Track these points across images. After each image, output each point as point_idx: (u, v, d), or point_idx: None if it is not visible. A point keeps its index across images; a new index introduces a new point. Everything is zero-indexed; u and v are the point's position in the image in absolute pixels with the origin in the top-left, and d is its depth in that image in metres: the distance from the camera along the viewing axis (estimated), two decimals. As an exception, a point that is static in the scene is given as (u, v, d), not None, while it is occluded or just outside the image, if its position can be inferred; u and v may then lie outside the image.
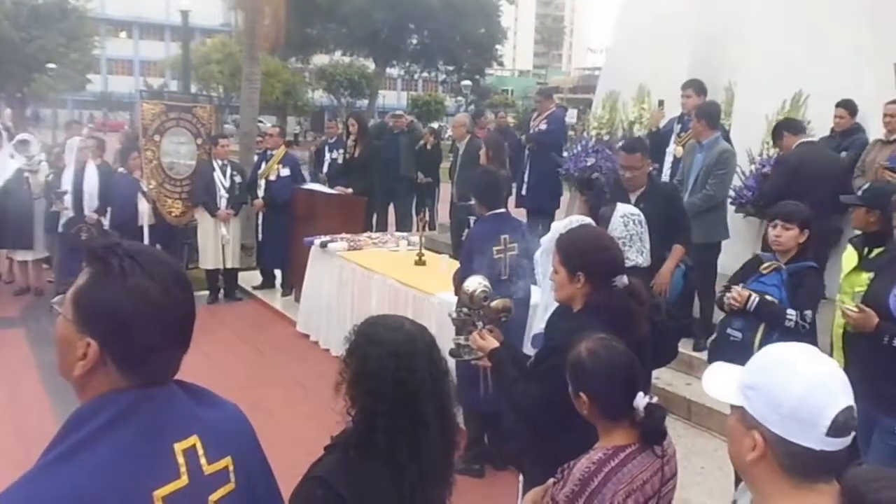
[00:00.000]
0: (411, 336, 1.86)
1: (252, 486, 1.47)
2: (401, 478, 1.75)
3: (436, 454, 1.81)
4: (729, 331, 3.84)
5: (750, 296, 3.72)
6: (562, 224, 3.27)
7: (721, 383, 1.45)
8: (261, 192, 8.43)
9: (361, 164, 8.91)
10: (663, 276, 4.70)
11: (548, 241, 3.38)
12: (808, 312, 3.59)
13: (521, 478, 3.01)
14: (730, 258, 5.97)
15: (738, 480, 3.96)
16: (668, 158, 6.82)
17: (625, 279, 2.61)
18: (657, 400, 2.09)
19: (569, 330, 2.55)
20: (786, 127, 5.98)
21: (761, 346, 3.55)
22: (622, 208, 3.82)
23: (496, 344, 2.84)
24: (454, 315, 3.04)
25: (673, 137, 6.85)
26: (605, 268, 2.61)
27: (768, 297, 3.72)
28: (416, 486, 1.77)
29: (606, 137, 8.69)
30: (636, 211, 3.77)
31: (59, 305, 1.33)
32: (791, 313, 3.60)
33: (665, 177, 6.85)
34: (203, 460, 1.36)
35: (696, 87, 6.68)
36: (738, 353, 3.70)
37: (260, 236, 8.61)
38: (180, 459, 1.32)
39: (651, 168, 4.96)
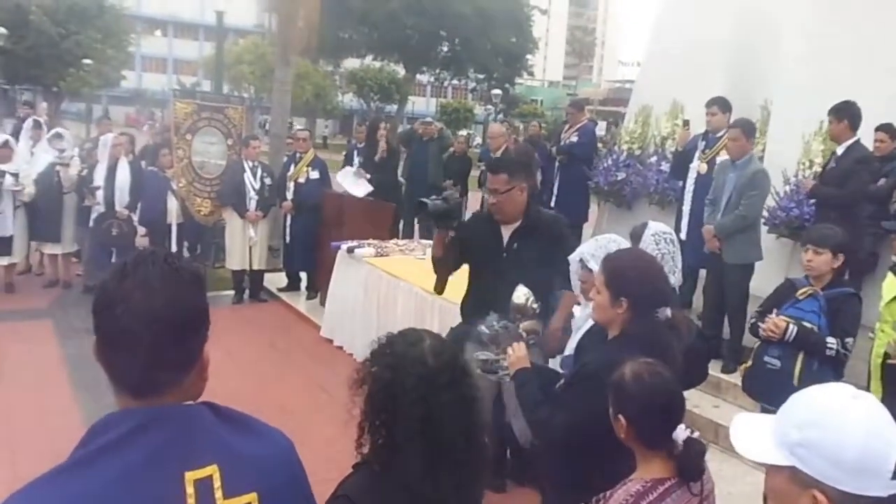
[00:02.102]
0: (436, 352, 1.80)
1: None
2: (420, 497, 1.70)
3: (461, 475, 1.75)
4: (766, 359, 3.79)
5: (788, 326, 3.65)
6: (594, 244, 3.19)
7: (756, 441, 1.35)
8: (289, 195, 8.45)
9: (387, 168, 8.95)
10: (554, 333, 3.77)
11: (574, 260, 3.32)
12: (850, 340, 3.52)
13: (540, 499, 2.95)
14: (761, 280, 5.88)
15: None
16: (692, 175, 6.82)
17: (668, 311, 2.52)
18: (698, 435, 2.03)
19: (602, 359, 2.50)
20: (848, 115, 5.82)
21: (802, 375, 3.60)
22: (654, 226, 3.75)
23: (528, 362, 2.79)
24: (494, 327, 2.96)
25: (697, 154, 6.83)
26: (651, 298, 2.52)
27: (806, 325, 3.65)
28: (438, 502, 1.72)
29: (638, 152, 8.62)
30: (668, 229, 3.69)
31: None
32: (832, 342, 3.54)
33: (689, 193, 6.82)
34: (218, 493, 1.26)
35: (720, 104, 6.66)
36: (778, 382, 3.69)
37: (287, 238, 8.62)
38: (189, 489, 1.23)
39: (527, 194, 3.94)
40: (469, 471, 1.78)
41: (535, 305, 3.26)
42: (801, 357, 3.63)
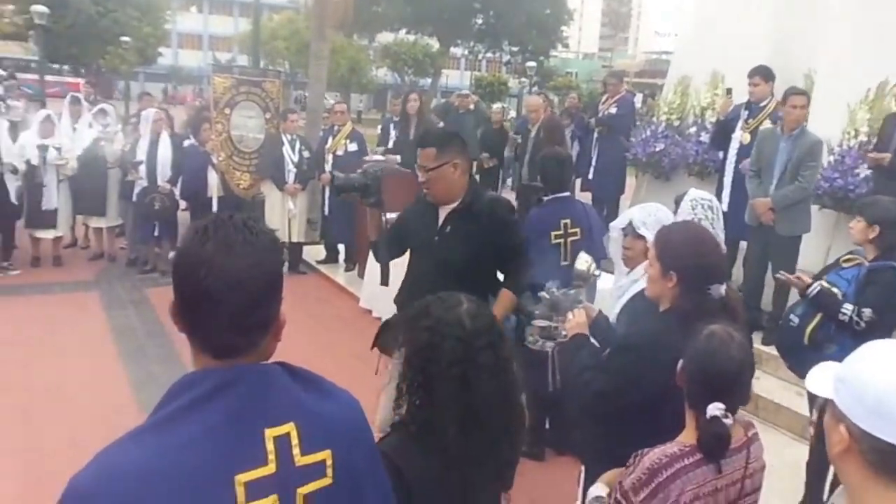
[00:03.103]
0: (473, 315, 1.82)
1: (356, 486, 1.40)
2: (456, 459, 1.73)
3: (496, 437, 1.78)
4: (791, 316, 3.85)
5: (812, 283, 3.69)
6: (642, 212, 3.16)
7: (820, 377, 1.41)
8: (328, 167, 8.51)
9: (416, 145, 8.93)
10: None
11: (616, 228, 3.30)
12: (867, 310, 3.50)
13: (582, 469, 2.97)
14: (804, 251, 5.82)
15: (808, 480, 3.90)
16: (734, 145, 6.75)
17: (721, 290, 2.43)
18: (730, 421, 1.97)
19: (647, 332, 2.49)
20: None
21: (812, 334, 3.70)
22: (693, 192, 3.70)
23: (587, 328, 2.78)
24: (554, 293, 2.97)
25: (739, 124, 6.74)
26: (700, 274, 2.43)
27: (834, 290, 3.66)
28: (471, 469, 1.76)
29: (677, 123, 8.50)
30: (708, 196, 3.61)
31: None
32: (847, 308, 3.55)
33: (730, 164, 6.74)
34: (296, 450, 1.30)
35: (763, 73, 6.56)
36: (792, 339, 3.80)
37: (327, 211, 8.68)
38: (270, 446, 1.27)
39: (463, 172, 3.42)
40: (504, 433, 1.81)
41: (596, 272, 3.26)
42: (818, 318, 3.66)
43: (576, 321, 2.77)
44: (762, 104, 6.53)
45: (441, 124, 10.70)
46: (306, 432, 1.31)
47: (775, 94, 6.62)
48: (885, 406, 1.23)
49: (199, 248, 1.26)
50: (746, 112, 6.75)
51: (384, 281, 4.36)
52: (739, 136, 6.66)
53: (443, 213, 3.46)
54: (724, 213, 6.01)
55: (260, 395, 1.29)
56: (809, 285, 3.71)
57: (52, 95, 19.63)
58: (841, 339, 3.62)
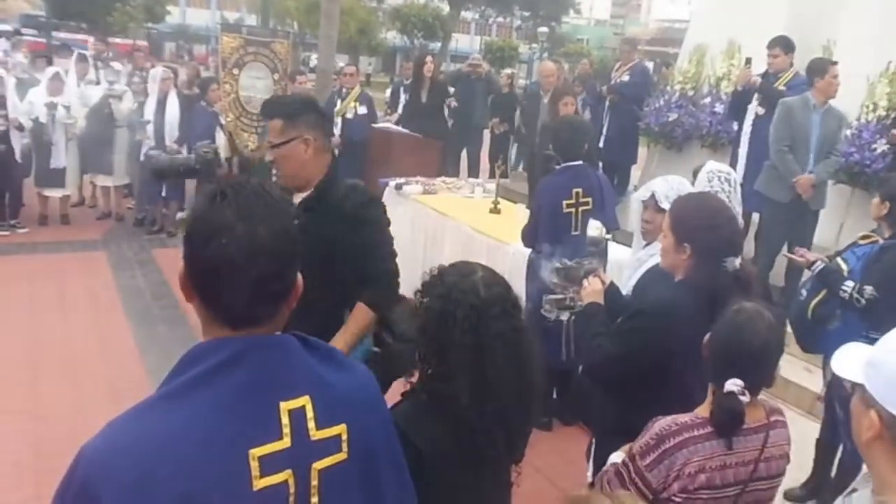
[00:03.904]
0: (488, 283, 1.80)
1: (370, 460, 1.38)
2: (468, 428, 1.73)
3: (508, 407, 1.76)
4: (802, 290, 3.87)
5: (817, 260, 3.70)
6: (665, 184, 3.11)
7: (848, 360, 1.38)
8: (337, 131, 8.42)
9: (432, 109, 8.82)
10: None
11: (637, 200, 3.26)
12: (869, 288, 3.47)
13: (592, 440, 2.97)
14: (818, 226, 5.77)
15: (817, 456, 3.89)
16: (749, 116, 6.61)
17: (736, 262, 2.42)
18: (746, 400, 1.95)
19: (660, 300, 2.47)
20: None
21: (816, 309, 3.71)
22: (711, 164, 3.65)
23: (602, 297, 2.76)
24: (567, 263, 2.95)
25: (756, 95, 6.58)
26: (714, 246, 2.42)
27: (843, 266, 3.66)
28: (483, 438, 1.75)
29: (691, 93, 8.38)
30: (726, 168, 3.56)
31: None
32: (848, 284, 3.53)
33: (746, 136, 6.62)
34: (311, 424, 1.27)
35: (783, 45, 6.43)
36: (796, 311, 3.81)
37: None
38: (284, 419, 1.24)
39: (317, 150, 2.74)
40: (517, 404, 1.80)
41: (608, 236, 3.32)
42: (822, 294, 3.66)
43: (591, 289, 2.77)
44: (780, 75, 6.38)
45: (452, 90, 10.57)
46: (321, 406, 1.29)
47: (795, 65, 6.50)
48: None
49: (218, 213, 1.22)
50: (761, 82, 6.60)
51: None
52: (755, 108, 6.52)
53: (297, 201, 2.75)
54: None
55: (275, 366, 1.25)
56: (815, 262, 3.71)
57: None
58: (845, 315, 3.61)
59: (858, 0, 6.88)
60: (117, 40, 39.07)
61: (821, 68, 5.65)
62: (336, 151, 8.37)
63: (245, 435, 1.20)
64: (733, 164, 6.58)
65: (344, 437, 1.32)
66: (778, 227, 5.79)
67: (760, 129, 6.31)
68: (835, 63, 5.71)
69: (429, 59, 9.32)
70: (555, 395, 4.72)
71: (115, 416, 1.21)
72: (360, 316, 2.80)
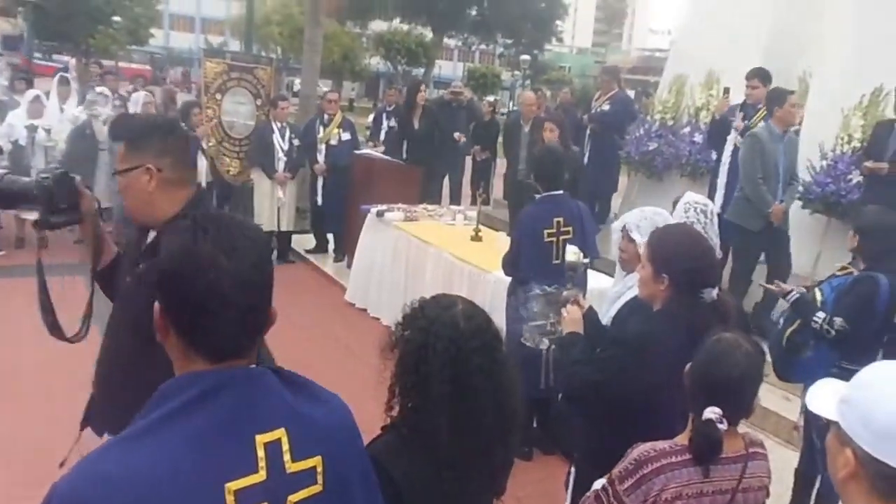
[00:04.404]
0: (468, 316, 1.79)
1: (346, 492, 1.38)
2: (449, 463, 1.71)
3: (488, 440, 1.76)
4: (780, 318, 3.92)
5: (792, 289, 3.74)
6: (637, 217, 3.15)
7: (822, 396, 1.38)
8: (321, 157, 8.44)
9: (423, 136, 8.86)
10: None
11: (616, 229, 3.29)
12: (838, 319, 3.52)
13: (571, 468, 2.97)
14: (795, 255, 5.83)
15: (796, 486, 3.90)
16: (729, 147, 6.71)
17: (713, 293, 2.45)
18: (724, 428, 1.96)
19: (639, 330, 2.48)
20: None
21: (791, 338, 3.76)
22: (689, 195, 3.69)
23: (581, 326, 2.78)
24: (546, 290, 2.96)
25: (735, 125, 6.71)
26: (692, 277, 2.44)
27: (817, 297, 3.71)
28: (464, 473, 1.74)
29: (671, 123, 8.49)
30: (703, 199, 3.59)
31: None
32: (819, 315, 3.58)
33: (724, 166, 6.72)
34: (287, 457, 1.27)
35: (762, 77, 6.59)
36: (773, 339, 3.85)
37: (320, 200, 8.60)
38: (260, 453, 1.24)
39: (162, 182, 2.18)
40: (498, 437, 1.79)
41: (585, 260, 3.37)
42: (796, 323, 3.72)
43: (570, 318, 2.78)
44: (759, 106, 6.51)
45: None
46: (297, 438, 1.29)
47: (771, 96, 6.61)
48: (893, 430, 1.20)
49: (202, 249, 1.23)
50: (741, 114, 6.74)
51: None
52: (735, 139, 6.61)
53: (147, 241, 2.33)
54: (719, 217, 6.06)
55: (250, 399, 1.25)
56: (790, 291, 3.75)
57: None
58: (818, 345, 3.66)
59: (834, 33, 7.02)
60: (123, 64, 39.25)
61: (779, 98, 5.80)
62: (320, 178, 8.44)
63: (221, 469, 1.20)
64: (711, 194, 6.68)
65: (319, 469, 1.32)
66: (750, 254, 5.90)
67: (738, 161, 6.38)
68: (792, 92, 5.89)
69: (423, 86, 9.40)
70: (535, 425, 4.70)
71: (87, 456, 1.19)
72: None
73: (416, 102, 9.03)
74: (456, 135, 10.05)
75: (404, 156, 8.77)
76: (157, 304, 1.26)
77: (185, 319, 1.25)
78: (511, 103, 34.78)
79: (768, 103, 5.86)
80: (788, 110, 5.73)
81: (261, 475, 1.23)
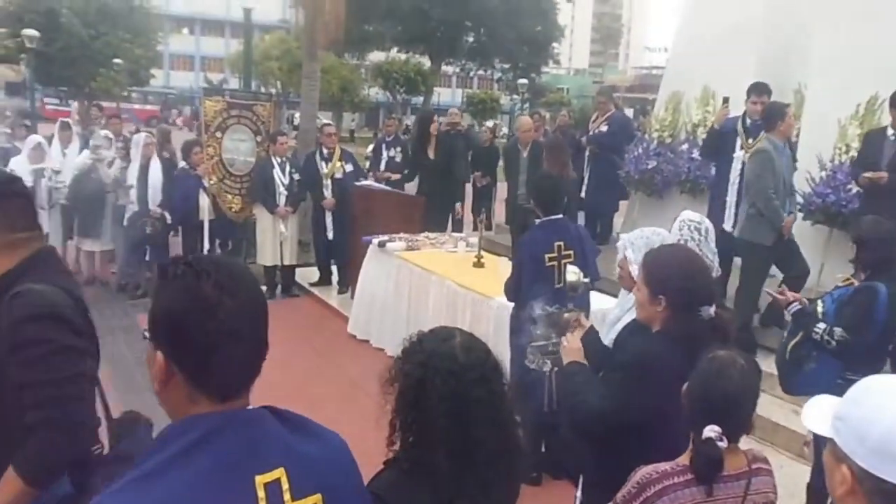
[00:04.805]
0: (467, 348, 1.79)
1: None
2: (450, 497, 1.70)
3: (490, 474, 1.74)
4: (785, 332, 3.93)
5: (795, 301, 3.75)
6: (635, 236, 3.16)
7: (817, 413, 1.38)
8: (327, 192, 8.47)
9: (438, 166, 8.92)
10: None
11: (620, 248, 3.30)
12: (838, 330, 3.54)
13: (578, 493, 2.95)
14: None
15: (808, 502, 3.86)
16: (736, 165, 6.56)
17: (711, 311, 2.45)
18: (724, 445, 1.97)
19: (640, 352, 2.48)
20: None
21: (791, 351, 3.78)
22: (685, 214, 3.69)
23: (581, 354, 2.77)
24: (548, 309, 2.97)
25: (739, 142, 6.60)
26: (690, 297, 2.44)
27: (819, 308, 3.72)
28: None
29: (669, 140, 8.52)
30: (698, 217, 3.58)
31: (146, 331, 1.32)
32: (820, 326, 3.60)
33: (733, 184, 6.57)
34: (287, 496, 1.28)
35: (769, 92, 6.48)
36: (780, 352, 3.86)
37: (331, 235, 8.59)
38: (261, 493, 1.25)
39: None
40: (500, 469, 1.77)
41: (585, 280, 3.42)
42: (799, 335, 3.72)
43: (570, 347, 2.76)
44: (760, 122, 6.30)
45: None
46: (296, 477, 1.30)
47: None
48: (889, 446, 1.20)
49: (207, 292, 1.25)
50: (743, 130, 6.59)
51: None
52: (742, 156, 6.46)
53: None
54: (731, 234, 6.03)
55: (250, 440, 1.27)
56: (792, 303, 3.76)
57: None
58: (821, 357, 3.67)
59: (827, 45, 7.05)
60: (138, 106, 39.52)
61: (780, 112, 5.78)
62: (328, 213, 8.45)
63: None
64: (720, 212, 6.56)
65: None
66: (763, 270, 5.85)
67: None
68: (788, 105, 5.91)
69: (435, 117, 9.49)
70: (543, 449, 4.67)
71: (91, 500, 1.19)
72: (4, 488, 1.89)
73: (430, 134, 9.09)
74: (476, 175, 10.17)
75: (416, 186, 8.84)
76: (158, 354, 1.27)
77: (195, 362, 1.26)
78: (509, 128, 34.86)
79: (769, 118, 5.81)
80: (790, 123, 5.76)
81: None
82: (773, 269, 5.95)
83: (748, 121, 6.54)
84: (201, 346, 1.24)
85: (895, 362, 3.77)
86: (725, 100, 7.13)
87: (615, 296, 4.88)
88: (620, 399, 2.42)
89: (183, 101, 51.01)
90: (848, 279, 3.79)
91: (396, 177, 9.31)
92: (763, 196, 5.63)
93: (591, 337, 2.93)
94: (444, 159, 9.01)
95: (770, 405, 5.09)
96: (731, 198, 6.64)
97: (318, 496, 1.32)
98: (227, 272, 1.29)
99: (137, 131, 9.61)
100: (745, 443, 2.12)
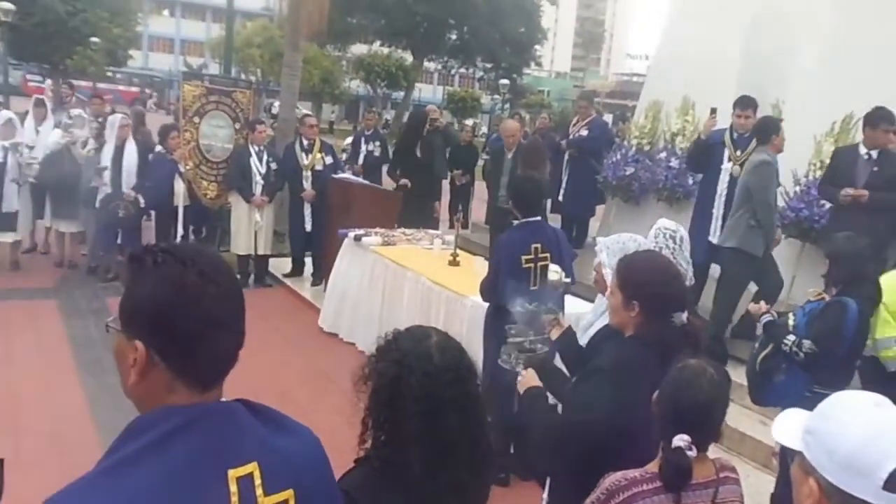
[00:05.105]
0: (442, 349, 1.78)
1: None
2: (421, 497, 1.70)
3: (462, 474, 1.74)
4: (755, 344, 3.98)
5: (766, 312, 3.84)
6: (612, 241, 3.18)
7: (787, 426, 1.40)
8: (307, 184, 8.43)
9: (427, 164, 8.88)
10: None
11: (599, 253, 3.31)
12: (807, 342, 3.60)
13: (545, 495, 2.95)
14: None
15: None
16: (724, 178, 6.51)
17: (683, 317, 2.47)
18: (693, 455, 1.97)
19: (615, 355, 2.49)
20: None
21: (762, 362, 3.85)
22: (661, 222, 3.70)
23: (538, 381, 2.77)
24: (528, 307, 2.97)
25: (727, 155, 6.53)
26: (663, 303, 2.45)
27: (790, 321, 3.79)
28: (438, 503, 1.72)
29: (647, 147, 8.58)
30: (674, 226, 3.59)
31: (112, 323, 1.28)
32: (789, 338, 3.66)
33: (720, 196, 6.51)
34: (259, 491, 1.26)
35: (755, 107, 6.47)
36: (750, 364, 3.93)
37: (309, 226, 8.52)
38: (233, 488, 1.23)
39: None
40: (471, 470, 1.77)
41: (567, 280, 3.49)
42: (770, 347, 3.78)
43: (524, 382, 2.76)
44: (746, 135, 6.36)
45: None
46: (269, 472, 1.28)
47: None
48: (857, 461, 1.21)
49: (190, 279, 1.23)
50: (732, 143, 6.53)
51: None
52: (729, 169, 6.43)
53: None
54: (717, 246, 6.04)
55: (223, 434, 1.24)
56: (763, 314, 3.83)
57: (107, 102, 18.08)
58: (790, 369, 3.72)
59: (805, 60, 7.14)
60: (121, 88, 38.75)
61: (775, 126, 5.79)
62: (307, 205, 8.39)
63: None
64: (700, 223, 6.57)
65: (291, 502, 1.31)
66: (746, 279, 5.87)
67: (734, 190, 6.13)
68: (782, 119, 5.96)
69: (430, 114, 9.41)
70: (512, 450, 4.68)
71: (55, 493, 1.16)
72: None
73: (422, 133, 9.01)
74: (455, 173, 10.10)
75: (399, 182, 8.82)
76: (138, 344, 1.23)
77: (180, 351, 1.24)
78: (489, 127, 34.89)
79: (763, 131, 5.78)
80: (783, 137, 5.77)
81: None
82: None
83: (735, 134, 6.51)
84: (187, 335, 1.22)
85: (863, 377, 3.84)
86: (713, 110, 7.04)
87: (589, 300, 4.91)
88: (599, 409, 2.42)
89: (171, 84, 50.47)
90: (819, 294, 3.85)
91: (405, 183, 8.99)
92: (766, 207, 5.63)
93: (568, 337, 2.94)
94: (425, 156, 8.96)
95: (738, 415, 5.15)
96: (717, 210, 6.55)
97: (289, 492, 1.31)
98: (209, 260, 1.28)
99: (113, 112, 9.45)
100: (712, 451, 2.13)
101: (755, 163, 5.75)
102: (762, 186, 5.66)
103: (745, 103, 6.48)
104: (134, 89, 44.25)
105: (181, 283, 1.23)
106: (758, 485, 4.37)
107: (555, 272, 3.29)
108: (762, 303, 4.02)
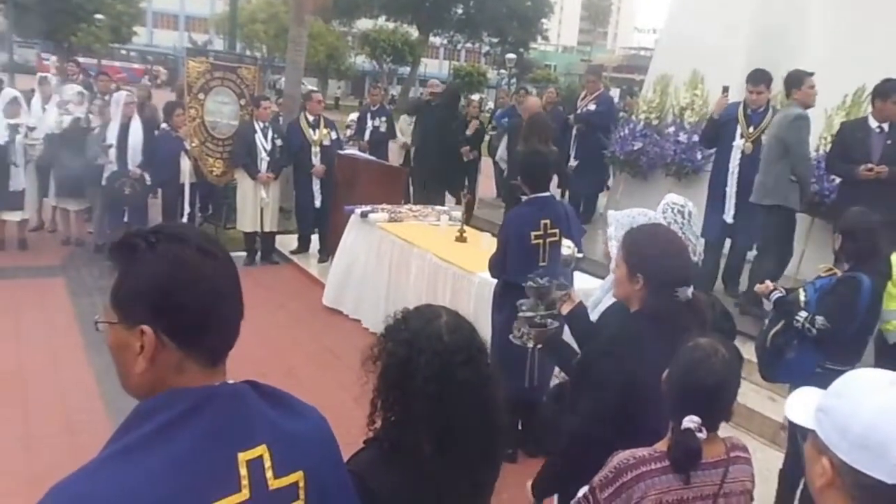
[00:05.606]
0: (453, 328, 1.75)
1: None
2: (431, 479, 1.68)
3: (473, 455, 1.73)
4: (766, 319, 3.96)
5: (775, 289, 3.79)
6: (622, 214, 3.15)
7: (800, 405, 1.37)
8: (316, 160, 8.40)
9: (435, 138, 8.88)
10: None
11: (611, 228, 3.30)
12: (820, 318, 3.57)
13: None
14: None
15: (780, 487, 3.90)
16: (735, 154, 6.36)
17: (688, 292, 2.44)
18: (703, 436, 1.95)
19: (619, 331, 2.47)
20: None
21: (773, 339, 3.81)
22: (669, 197, 3.67)
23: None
24: (540, 282, 2.95)
25: (739, 130, 6.38)
26: (667, 276, 2.44)
27: (801, 297, 3.75)
28: (446, 489, 1.71)
29: (655, 122, 8.50)
30: (681, 200, 3.56)
31: (101, 318, 1.26)
32: (801, 315, 3.63)
33: (732, 173, 6.37)
34: (269, 473, 1.26)
35: (767, 81, 6.31)
36: (760, 340, 3.90)
37: (318, 202, 8.51)
38: (243, 471, 1.22)
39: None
40: (482, 451, 1.76)
41: (579, 255, 3.50)
42: (781, 324, 3.75)
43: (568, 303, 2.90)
44: (760, 110, 6.27)
45: (413, 118, 10.58)
46: (278, 454, 1.27)
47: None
48: (870, 440, 1.19)
49: (191, 258, 1.23)
50: (744, 117, 6.38)
51: None
52: (741, 146, 6.31)
53: None
54: (731, 225, 6.10)
55: (232, 417, 1.23)
56: (773, 291, 3.79)
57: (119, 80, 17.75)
58: (802, 345, 3.69)
59: (815, 33, 7.04)
60: (135, 66, 38.49)
61: (797, 79, 5.68)
62: (317, 181, 8.38)
63: (205, 490, 1.17)
64: (718, 203, 6.45)
65: (301, 484, 1.30)
66: (791, 231, 5.83)
67: (747, 167, 6.18)
68: (811, 74, 5.72)
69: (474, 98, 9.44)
70: (520, 427, 4.68)
71: (62, 479, 1.14)
72: None
73: (459, 114, 8.99)
74: (464, 149, 10.05)
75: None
76: (145, 329, 1.20)
77: (191, 326, 1.23)
78: (494, 102, 34.71)
79: (787, 86, 5.74)
80: (807, 91, 5.63)
81: (244, 494, 1.21)
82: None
83: (748, 109, 6.34)
84: (195, 310, 1.22)
85: (878, 352, 3.81)
86: (725, 88, 6.90)
87: (597, 276, 4.88)
88: (610, 391, 2.40)
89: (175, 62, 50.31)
90: (830, 269, 3.81)
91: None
92: (803, 160, 5.57)
93: (579, 311, 2.93)
94: (438, 131, 8.93)
95: (747, 391, 5.14)
96: (730, 188, 6.40)
97: (299, 473, 1.30)
98: (200, 235, 1.29)
99: (118, 89, 9.39)
100: (720, 428, 2.11)
101: (790, 117, 5.60)
102: (799, 140, 5.55)
103: (757, 78, 6.28)
104: (144, 66, 44.05)
105: (181, 259, 1.22)
106: (766, 460, 4.36)
107: (567, 247, 3.27)
108: (767, 282, 3.98)
